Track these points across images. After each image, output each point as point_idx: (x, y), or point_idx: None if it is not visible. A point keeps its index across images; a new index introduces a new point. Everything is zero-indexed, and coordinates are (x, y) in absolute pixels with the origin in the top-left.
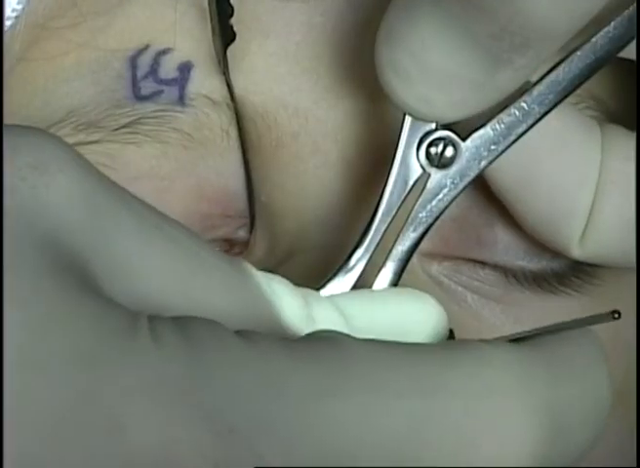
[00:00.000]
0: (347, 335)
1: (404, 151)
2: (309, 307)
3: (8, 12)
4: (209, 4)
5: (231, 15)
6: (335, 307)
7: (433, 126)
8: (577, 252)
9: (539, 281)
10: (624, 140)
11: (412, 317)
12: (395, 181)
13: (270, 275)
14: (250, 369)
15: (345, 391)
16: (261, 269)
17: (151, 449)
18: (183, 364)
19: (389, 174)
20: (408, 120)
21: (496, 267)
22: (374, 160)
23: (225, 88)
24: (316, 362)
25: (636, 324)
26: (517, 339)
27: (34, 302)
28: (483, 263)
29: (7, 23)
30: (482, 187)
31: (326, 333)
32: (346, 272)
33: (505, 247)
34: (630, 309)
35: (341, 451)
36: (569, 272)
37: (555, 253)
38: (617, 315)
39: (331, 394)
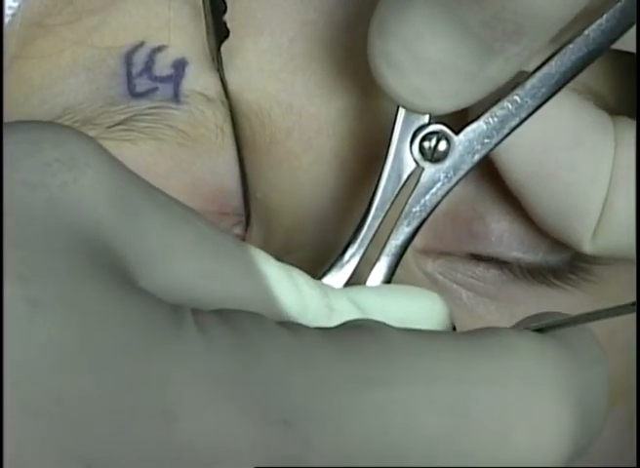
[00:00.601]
0: (384, 324)
1: (397, 145)
2: (327, 297)
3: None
4: (202, 1)
5: (224, 11)
6: (350, 299)
7: (426, 120)
8: (589, 247)
9: (534, 275)
10: (635, 134)
11: (421, 312)
12: (389, 176)
13: (289, 266)
14: (298, 359)
15: (391, 381)
16: None
17: (203, 439)
18: (233, 355)
19: (383, 168)
20: (401, 114)
21: (490, 263)
22: (367, 156)
23: (220, 85)
24: (361, 352)
25: (636, 324)
26: (537, 330)
27: (78, 303)
28: (478, 259)
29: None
30: (472, 180)
31: (362, 322)
32: (340, 267)
33: (498, 238)
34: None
35: (389, 439)
36: (565, 267)
37: (551, 246)
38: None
39: (378, 383)
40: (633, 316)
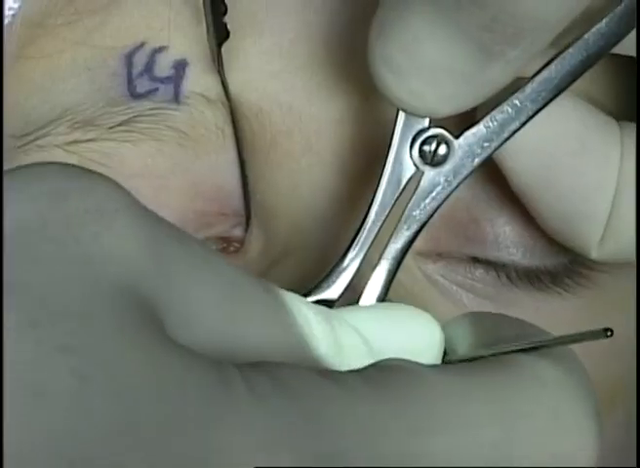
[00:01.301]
0: (416, 364)
1: (397, 149)
2: (334, 332)
3: (4, 10)
4: (203, 2)
5: (225, 12)
6: (355, 330)
7: (426, 123)
8: (595, 253)
9: (532, 279)
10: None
11: (420, 335)
12: (388, 180)
13: (300, 298)
14: (349, 412)
15: (437, 429)
16: (257, 268)
17: None
18: (288, 415)
19: (382, 172)
20: (401, 117)
21: (489, 265)
22: (367, 158)
23: (220, 86)
24: (404, 399)
25: (636, 324)
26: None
27: (127, 375)
28: (477, 261)
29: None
30: (467, 183)
31: (395, 363)
32: (340, 271)
33: (493, 242)
34: (627, 310)
35: None
36: (562, 272)
37: (548, 251)
38: (609, 333)
39: (425, 433)
40: (633, 316)
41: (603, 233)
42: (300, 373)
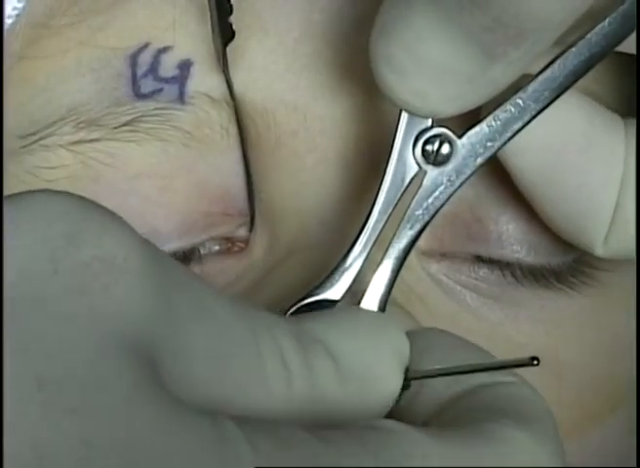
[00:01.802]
0: (407, 429)
1: (400, 149)
2: (306, 355)
3: (9, 10)
4: (208, 2)
5: (230, 12)
6: (325, 349)
7: (429, 123)
8: (601, 250)
9: (536, 277)
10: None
11: (386, 347)
12: (392, 179)
13: (277, 321)
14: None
15: None
16: (262, 268)
17: None
18: None
19: (385, 172)
20: (404, 117)
21: (493, 264)
22: (372, 157)
23: (225, 85)
24: (395, 462)
25: (636, 324)
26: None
27: (133, 440)
28: (481, 260)
29: (8, 22)
30: (470, 182)
31: (387, 425)
32: (343, 271)
33: (496, 240)
34: (630, 308)
35: None
36: (567, 270)
37: (552, 249)
38: (535, 362)
39: None
40: (633, 317)
41: (608, 230)
42: (292, 432)
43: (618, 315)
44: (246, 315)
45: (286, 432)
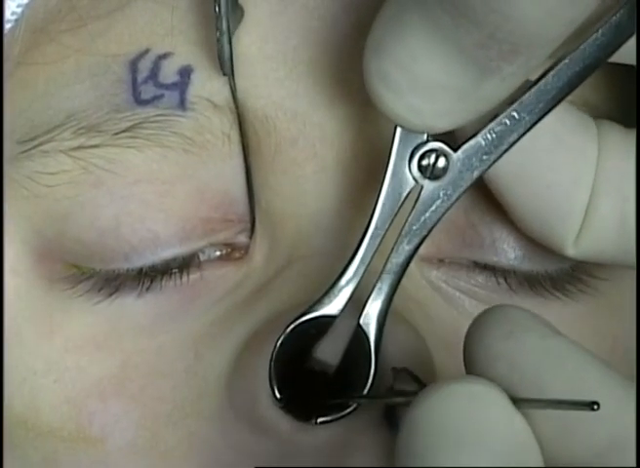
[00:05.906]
0: None
1: (396, 163)
2: None
3: (7, 15)
4: (217, 8)
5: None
6: None
7: (424, 137)
8: (572, 251)
9: (532, 284)
10: (620, 137)
11: None
12: (388, 194)
13: None
14: None
15: None
16: (261, 276)
17: None
18: None
19: (381, 187)
20: (399, 132)
21: (489, 271)
22: (370, 164)
23: (226, 91)
24: None
25: (636, 325)
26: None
27: None
28: (477, 267)
29: (6, 26)
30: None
31: None
32: (341, 287)
33: (490, 246)
34: (628, 315)
35: None
36: (563, 278)
37: (547, 256)
38: (596, 406)
39: None
40: (633, 323)
41: (579, 231)
42: None
43: (614, 323)
44: None
45: None
